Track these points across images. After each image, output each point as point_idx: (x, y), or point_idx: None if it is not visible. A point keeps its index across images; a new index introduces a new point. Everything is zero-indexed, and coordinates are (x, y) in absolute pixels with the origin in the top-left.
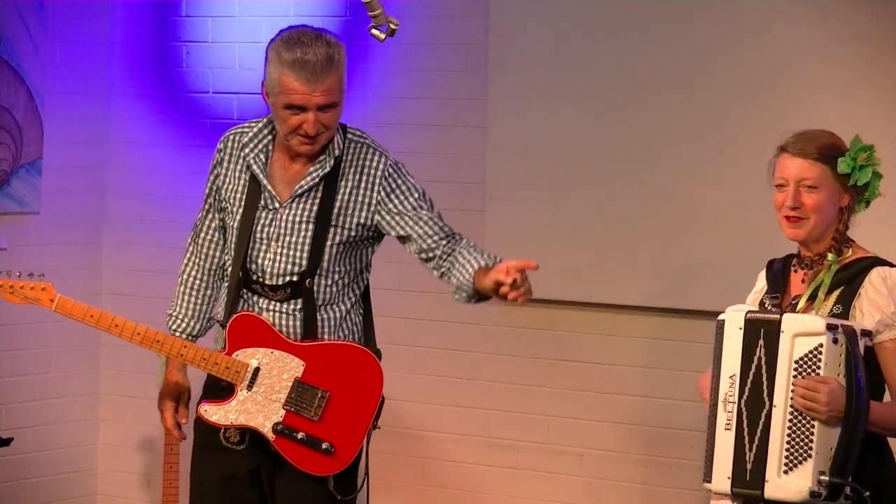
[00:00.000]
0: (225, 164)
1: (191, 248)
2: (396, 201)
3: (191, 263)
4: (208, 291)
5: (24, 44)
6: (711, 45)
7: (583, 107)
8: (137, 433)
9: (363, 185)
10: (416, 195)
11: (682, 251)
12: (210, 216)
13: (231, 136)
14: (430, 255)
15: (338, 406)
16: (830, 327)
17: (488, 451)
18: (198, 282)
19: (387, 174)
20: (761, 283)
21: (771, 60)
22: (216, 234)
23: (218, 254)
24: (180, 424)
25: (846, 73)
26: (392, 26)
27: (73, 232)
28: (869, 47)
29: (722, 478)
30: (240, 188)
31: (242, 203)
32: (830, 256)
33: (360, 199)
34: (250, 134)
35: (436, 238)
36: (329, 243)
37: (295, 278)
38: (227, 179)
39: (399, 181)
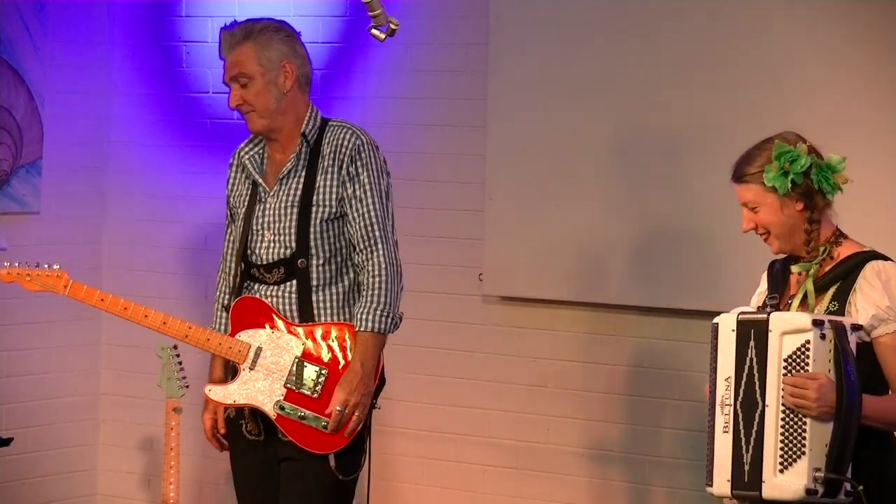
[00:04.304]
0: (233, 176)
1: (221, 267)
2: (351, 183)
3: (221, 283)
4: None
5: (24, 44)
6: (711, 46)
7: (583, 107)
8: (137, 433)
9: (336, 161)
10: (370, 184)
11: (682, 251)
12: (229, 231)
13: (237, 150)
14: (355, 249)
15: (337, 384)
16: (817, 323)
17: (488, 451)
18: (227, 298)
19: (354, 151)
20: (764, 285)
21: (771, 61)
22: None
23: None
24: (218, 432)
25: (846, 73)
26: (392, 26)
27: (73, 232)
28: (869, 47)
29: (722, 481)
30: (244, 192)
31: (245, 203)
32: (812, 270)
33: (334, 174)
34: (250, 142)
35: (358, 238)
36: (313, 222)
37: (287, 255)
38: (235, 187)
39: (360, 163)
